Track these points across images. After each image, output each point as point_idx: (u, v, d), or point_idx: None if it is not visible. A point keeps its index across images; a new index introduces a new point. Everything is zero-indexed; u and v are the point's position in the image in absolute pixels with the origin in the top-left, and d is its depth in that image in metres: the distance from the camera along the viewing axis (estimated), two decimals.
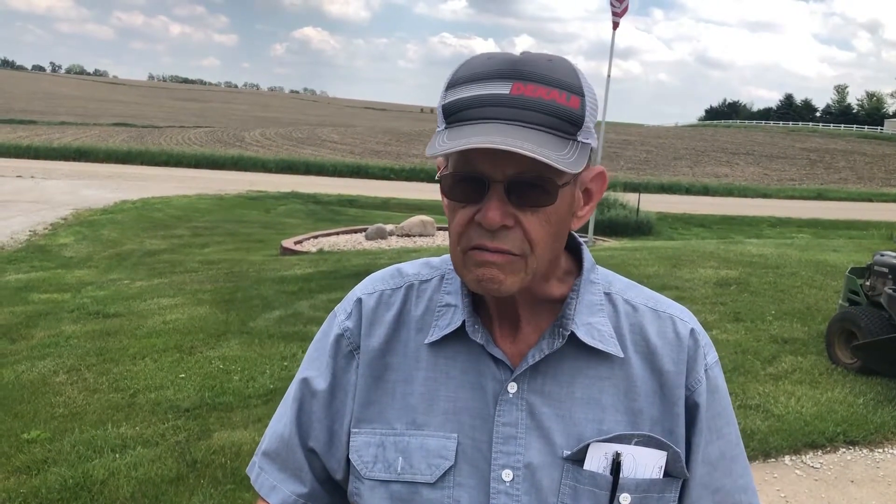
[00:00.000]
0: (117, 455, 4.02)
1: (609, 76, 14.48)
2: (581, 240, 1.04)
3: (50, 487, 3.65)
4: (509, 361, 0.96)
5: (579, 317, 0.96)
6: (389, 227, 14.47)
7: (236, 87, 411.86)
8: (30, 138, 40.29)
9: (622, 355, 0.96)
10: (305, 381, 1.06)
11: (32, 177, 24.34)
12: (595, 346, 0.96)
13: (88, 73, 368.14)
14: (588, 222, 15.49)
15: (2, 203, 17.40)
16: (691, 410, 0.98)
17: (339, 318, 1.07)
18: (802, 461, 4.39)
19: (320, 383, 1.04)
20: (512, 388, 0.95)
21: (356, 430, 1.01)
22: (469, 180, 0.88)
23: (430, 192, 24.64)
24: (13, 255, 11.49)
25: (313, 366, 1.06)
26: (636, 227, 19.29)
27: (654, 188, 33.91)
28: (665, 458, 0.95)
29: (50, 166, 29.02)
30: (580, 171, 0.86)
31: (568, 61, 0.89)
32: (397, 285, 1.06)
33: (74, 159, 33.36)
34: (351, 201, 23.42)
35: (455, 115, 0.87)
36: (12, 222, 14.62)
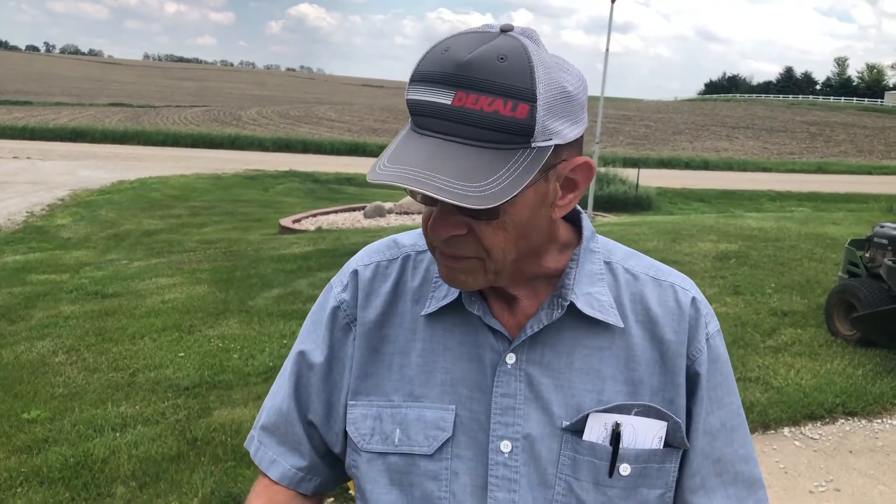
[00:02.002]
0: (118, 434, 4.02)
1: (608, 50, 14.36)
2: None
3: (51, 466, 3.66)
4: (507, 332, 0.95)
5: (579, 287, 0.94)
6: (388, 204, 14.44)
7: (232, 65, 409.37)
8: (25, 119, 40.08)
9: (622, 325, 0.95)
10: (302, 354, 1.05)
11: (29, 158, 24.25)
12: (595, 317, 0.94)
13: (83, 53, 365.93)
14: (587, 198, 15.44)
15: None
16: (692, 380, 0.96)
17: (335, 291, 1.05)
18: (801, 432, 4.40)
19: (317, 356, 1.03)
20: (510, 359, 0.94)
21: (353, 402, 1.00)
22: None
23: None
24: (11, 237, 11.47)
25: (310, 339, 1.05)
26: (635, 203, 19.26)
27: (653, 163, 33.83)
28: (665, 428, 0.94)
29: (46, 147, 28.90)
30: (511, 196, 0.79)
31: (525, 57, 0.80)
32: (393, 256, 1.05)
33: (71, 140, 33.23)
34: (349, 179, 23.35)
35: (411, 117, 0.85)
36: (9, 203, 14.58)
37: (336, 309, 1.03)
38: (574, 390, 0.94)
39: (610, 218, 14.75)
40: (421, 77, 0.83)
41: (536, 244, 0.91)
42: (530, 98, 0.79)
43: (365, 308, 1.02)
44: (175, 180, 20.12)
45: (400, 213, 14.23)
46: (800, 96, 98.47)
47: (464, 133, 0.80)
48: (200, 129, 39.83)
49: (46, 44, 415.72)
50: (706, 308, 0.99)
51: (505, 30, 0.83)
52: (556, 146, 0.83)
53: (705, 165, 36.81)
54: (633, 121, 59.89)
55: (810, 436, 4.36)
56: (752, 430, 4.33)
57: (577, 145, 0.87)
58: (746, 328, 6.00)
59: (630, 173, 20.71)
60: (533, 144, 0.81)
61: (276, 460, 1.06)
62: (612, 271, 0.98)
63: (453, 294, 0.97)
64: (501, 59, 0.79)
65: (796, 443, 4.28)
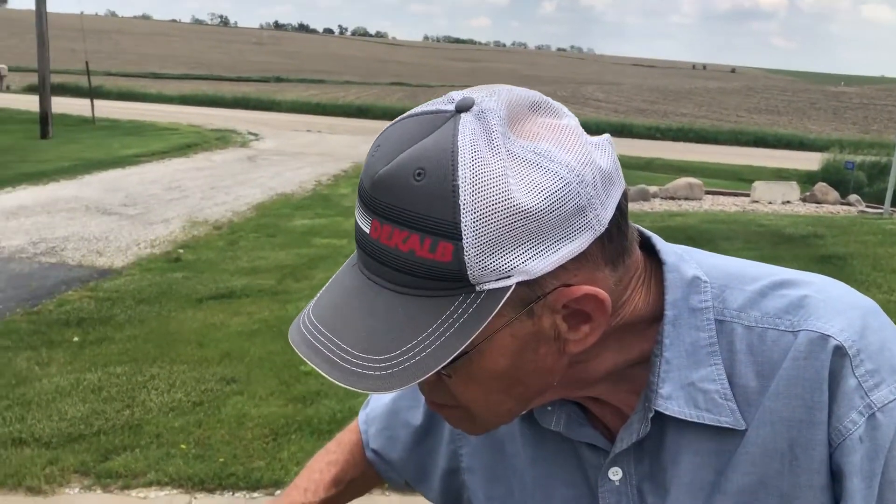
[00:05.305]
0: None
1: None
2: (679, 249, 0.73)
3: (321, 419, 3.97)
4: (606, 440, 0.74)
5: (673, 379, 0.68)
6: (653, 188, 13.94)
7: (504, 46, 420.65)
8: (319, 96, 44.25)
9: (743, 426, 0.67)
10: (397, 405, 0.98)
11: (319, 132, 26.72)
12: (698, 421, 0.68)
13: (371, 35, 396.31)
14: (884, 192, 13.76)
15: (294, 155, 19.29)
16: (837, 476, 0.65)
17: None
18: None
19: (415, 416, 0.94)
20: (615, 474, 0.73)
21: None
22: None
23: (698, 153, 23.42)
24: (301, 203, 12.68)
25: (408, 394, 0.95)
26: None
27: None
28: None
29: (334, 122, 31.67)
30: (441, 366, 0.58)
31: (450, 172, 0.57)
32: None
33: (356, 116, 36.14)
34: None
35: None
36: (301, 173, 16.12)
37: None
38: None
39: None
40: (360, 185, 0.63)
41: (548, 383, 0.67)
42: (452, 235, 0.56)
43: None
44: None
45: (665, 198, 13.69)
46: None
47: (384, 275, 0.60)
48: None
49: (340, 26, 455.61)
50: (870, 361, 0.64)
51: (461, 108, 0.60)
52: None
53: None
54: None
55: None
56: None
57: (582, 262, 0.60)
58: None
59: None
60: (479, 288, 0.58)
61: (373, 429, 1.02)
62: (725, 334, 0.68)
63: None
64: (419, 175, 0.57)
65: None
